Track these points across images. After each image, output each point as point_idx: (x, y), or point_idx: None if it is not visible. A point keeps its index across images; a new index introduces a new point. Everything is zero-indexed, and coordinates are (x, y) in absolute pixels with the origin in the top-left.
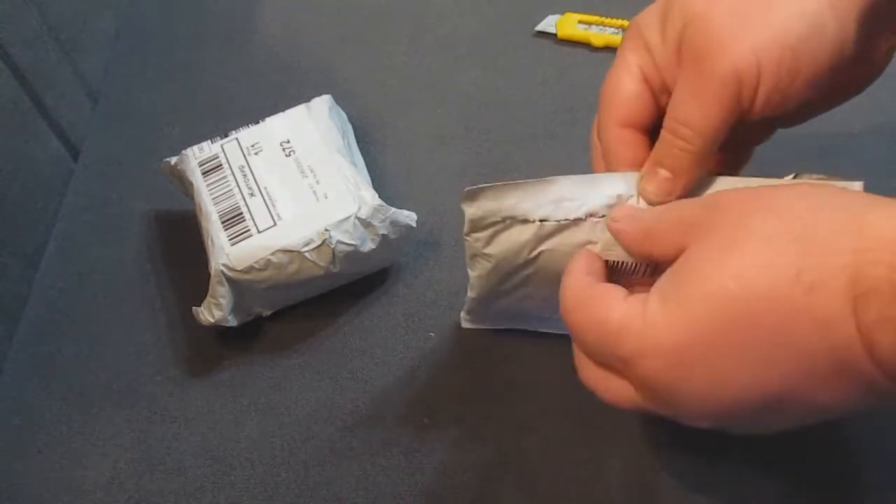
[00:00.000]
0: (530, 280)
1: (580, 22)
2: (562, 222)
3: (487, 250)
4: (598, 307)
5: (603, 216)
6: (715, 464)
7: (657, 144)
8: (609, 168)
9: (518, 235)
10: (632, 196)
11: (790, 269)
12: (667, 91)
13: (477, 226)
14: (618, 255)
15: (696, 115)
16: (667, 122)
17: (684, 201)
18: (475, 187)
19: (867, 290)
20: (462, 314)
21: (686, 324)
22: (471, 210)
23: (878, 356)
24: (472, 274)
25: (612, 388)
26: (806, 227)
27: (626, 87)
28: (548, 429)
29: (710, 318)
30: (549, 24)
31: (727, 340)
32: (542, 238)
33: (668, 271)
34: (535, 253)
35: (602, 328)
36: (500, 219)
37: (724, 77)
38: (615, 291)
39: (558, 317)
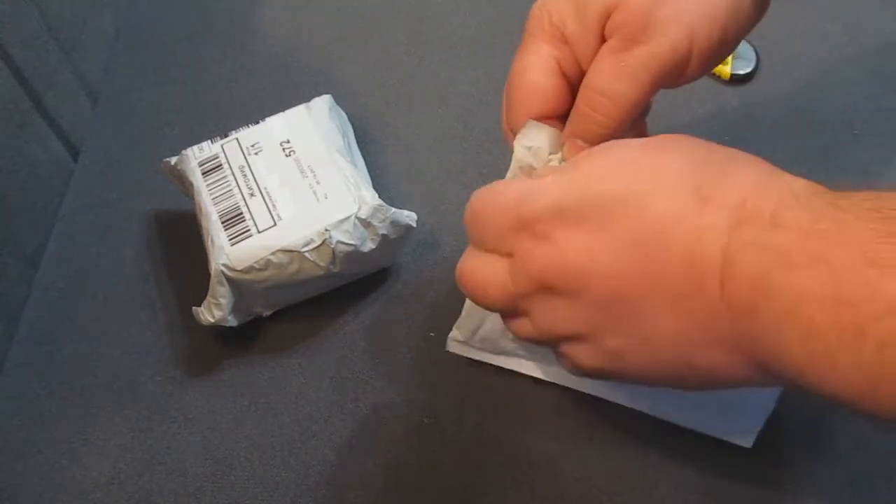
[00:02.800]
0: None
1: None
2: None
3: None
4: (498, 186)
5: None
6: (716, 466)
7: (574, 117)
8: None
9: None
10: None
11: (696, 180)
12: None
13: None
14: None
15: (622, 89)
16: (586, 96)
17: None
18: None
19: (751, 215)
20: (453, 332)
21: (585, 180)
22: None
23: (730, 279)
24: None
25: (490, 271)
26: (723, 159)
27: (541, 80)
28: (548, 429)
29: (605, 183)
30: None
31: (608, 214)
32: None
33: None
34: None
35: (500, 198)
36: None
37: (662, 55)
38: (517, 179)
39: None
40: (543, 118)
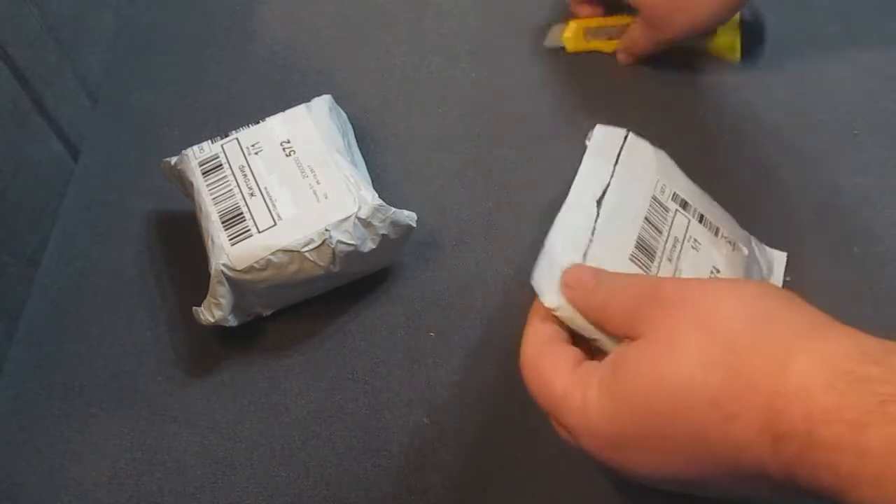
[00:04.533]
0: None
1: (587, 30)
2: None
3: None
4: (547, 369)
5: None
6: None
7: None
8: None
9: None
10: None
11: (713, 394)
12: None
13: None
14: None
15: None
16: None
17: (633, 283)
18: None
19: (784, 432)
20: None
21: (614, 419)
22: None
23: (793, 484)
24: None
25: (562, 431)
26: (735, 356)
27: None
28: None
29: (634, 419)
30: (555, 38)
31: (652, 440)
32: None
33: (610, 361)
34: None
35: (548, 391)
36: None
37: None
38: (565, 358)
39: None
40: None
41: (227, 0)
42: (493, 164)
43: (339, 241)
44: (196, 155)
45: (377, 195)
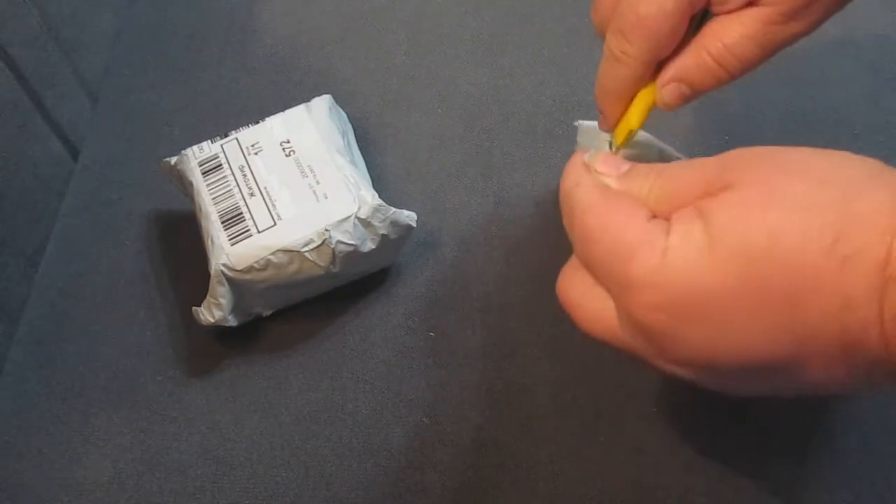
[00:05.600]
0: None
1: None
2: None
3: None
4: (616, 218)
5: None
6: (717, 467)
7: (687, 62)
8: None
9: None
10: None
11: (827, 235)
12: None
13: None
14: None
15: (758, 57)
16: (719, 53)
17: (696, 163)
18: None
19: None
20: None
21: (705, 271)
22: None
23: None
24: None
25: (592, 308)
26: (848, 194)
27: (668, 6)
28: (548, 428)
29: (731, 271)
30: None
31: (742, 299)
32: None
33: (693, 214)
34: None
35: (614, 241)
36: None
37: (805, 33)
38: (637, 208)
39: None
40: (656, 60)
41: (227, 0)
42: (493, 164)
43: (339, 241)
44: (196, 155)
45: (377, 195)
